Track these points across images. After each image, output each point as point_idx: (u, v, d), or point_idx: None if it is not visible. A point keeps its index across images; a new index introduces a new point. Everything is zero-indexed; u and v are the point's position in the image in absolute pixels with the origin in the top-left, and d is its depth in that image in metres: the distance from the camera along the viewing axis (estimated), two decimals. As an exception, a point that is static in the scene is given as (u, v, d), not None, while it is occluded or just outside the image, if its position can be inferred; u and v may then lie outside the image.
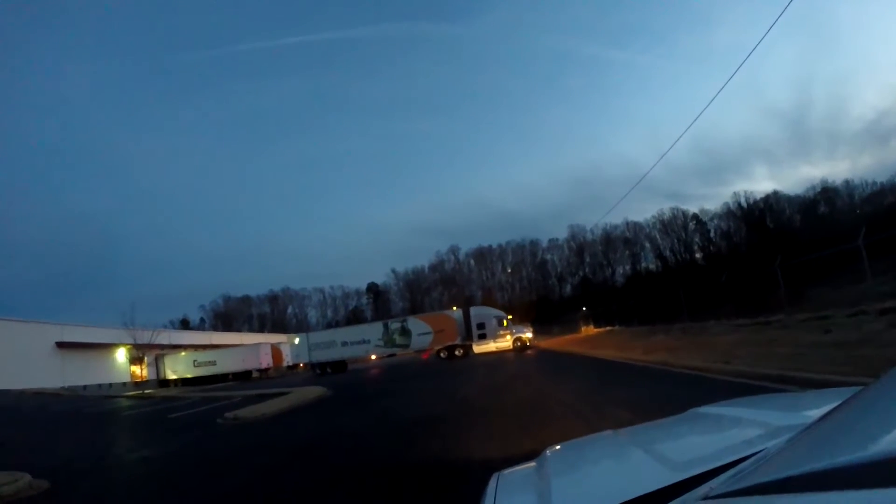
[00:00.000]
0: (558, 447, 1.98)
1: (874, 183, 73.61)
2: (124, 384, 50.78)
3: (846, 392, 1.48)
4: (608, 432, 2.08)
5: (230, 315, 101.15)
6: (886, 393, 0.86)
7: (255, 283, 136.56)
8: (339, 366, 40.32)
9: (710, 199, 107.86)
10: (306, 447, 8.91)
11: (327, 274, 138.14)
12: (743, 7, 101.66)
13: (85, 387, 47.84)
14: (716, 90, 47.30)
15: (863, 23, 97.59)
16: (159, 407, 22.86)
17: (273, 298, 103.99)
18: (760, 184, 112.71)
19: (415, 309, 73.84)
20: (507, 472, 1.76)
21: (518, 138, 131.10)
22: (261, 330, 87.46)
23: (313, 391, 19.05)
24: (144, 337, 38.65)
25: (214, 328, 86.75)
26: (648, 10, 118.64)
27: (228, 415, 14.24)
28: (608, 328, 35.85)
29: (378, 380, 24.73)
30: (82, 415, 23.36)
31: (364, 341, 39.89)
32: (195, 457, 9.51)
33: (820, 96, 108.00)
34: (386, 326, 40.01)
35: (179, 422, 16.22)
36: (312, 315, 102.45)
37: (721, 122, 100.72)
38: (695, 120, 36.16)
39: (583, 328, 43.97)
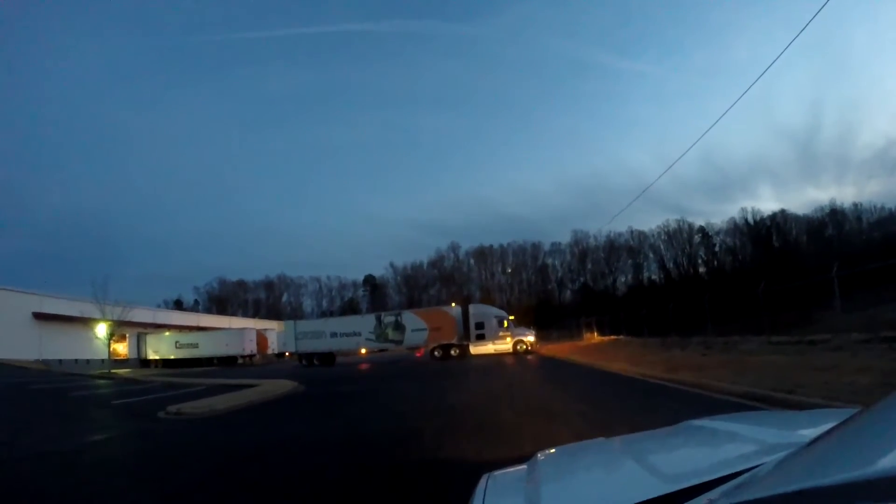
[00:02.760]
0: (550, 451, 1.97)
1: (883, 208, 72.79)
2: (103, 361, 48.66)
3: (842, 413, 1.58)
4: (600, 440, 2.05)
5: (224, 298, 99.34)
6: (887, 415, 0.87)
7: (251, 268, 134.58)
8: (327, 358, 37.92)
9: (715, 216, 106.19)
10: (235, 462, 6.85)
11: (325, 263, 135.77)
12: (758, 24, 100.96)
13: (61, 361, 46.07)
14: (726, 105, 46.26)
15: (877, 50, 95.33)
16: (112, 390, 20.80)
17: (268, 284, 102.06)
18: (766, 203, 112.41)
19: (412, 304, 71.62)
20: (497, 473, 1.75)
21: (525, 141, 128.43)
22: (255, 315, 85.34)
23: (284, 385, 17.06)
24: (115, 313, 36.29)
25: (208, 311, 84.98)
26: (662, 21, 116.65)
27: (172, 408, 12.29)
28: (614, 337, 33.30)
29: (362, 377, 22.52)
30: (24, 391, 21.21)
31: (355, 333, 37.45)
32: (96, 461, 7.41)
33: (830, 120, 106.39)
34: (379, 319, 37.54)
35: (118, 411, 14.23)
36: (308, 304, 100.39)
37: (729, 139, 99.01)
38: (704, 134, 36.34)
39: (586, 335, 41.31)
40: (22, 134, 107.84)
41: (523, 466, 1.76)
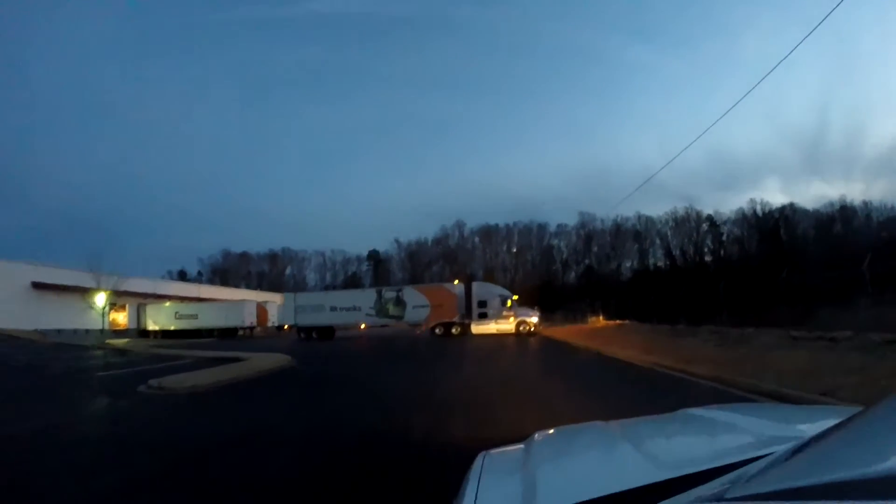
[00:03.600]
0: (548, 432, 1.97)
1: (893, 207, 72.07)
2: (101, 331, 48.36)
3: (841, 411, 1.63)
4: (598, 423, 2.00)
5: (228, 271, 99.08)
6: (889, 415, 0.88)
7: (255, 241, 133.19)
8: (327, 332, 37.20)
9: (723, 205, 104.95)
10: (198, 453, 6.03)
11: (329, 237, 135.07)
12: (772, 14, 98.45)
13: (59, 331, 45.64)
14: (737, 95, 45.14)
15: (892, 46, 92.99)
16: (100, 361, 20.20)
17: (272, 257, 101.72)
18: (773, 195, 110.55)
19: (415, 281, 70.90)
20: (493, 452, 1.76)
21: (533, 123, 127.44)
22: (258, 288, 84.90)
23: (276, 361, 16.31)
24: (109, 282, 35.69)
25: (211, 283, 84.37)
26: (675, 9, 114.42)
27: (154, 382, 11.63)
28: (619, 322, 32.19)
29: (357, 354, 21.78)
30: (4, 363, 20.44)
31: (355, 308, 36.73)
32: (47, 445, 6.61)
33: (841, 115, 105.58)
34: (380, 294, 36.82)
35: (99, 384, 13.58)
36: (311, 278, 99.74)
37: (739, 130, 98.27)
38: (713, 124, 36.63)
39: (592, 319, 40.10)
40: (27, 108, 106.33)
41: (520, 446, 1.77)
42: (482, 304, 34.19)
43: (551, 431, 2.00)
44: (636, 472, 1.23)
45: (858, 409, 1.06)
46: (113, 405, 9.97)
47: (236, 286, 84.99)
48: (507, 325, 33.41)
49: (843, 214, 77.05)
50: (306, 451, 6.07)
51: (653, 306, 28.26)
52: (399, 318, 35.75)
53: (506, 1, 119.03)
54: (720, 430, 1.76)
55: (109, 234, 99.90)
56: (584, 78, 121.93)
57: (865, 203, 75.98)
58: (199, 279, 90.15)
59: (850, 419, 0.91)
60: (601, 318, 38.05)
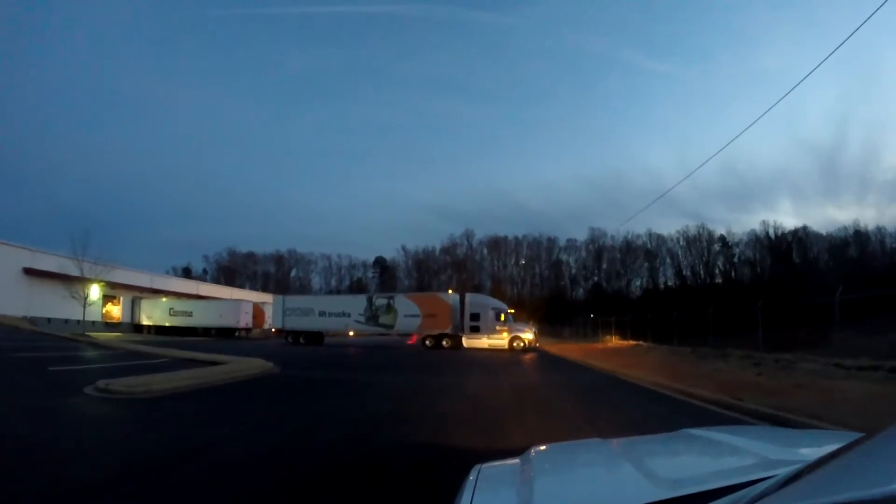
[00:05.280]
0: (544, 447, 1.94)
1: None
2: (93, 323, 46.85)
3: (842, 436, 1.56)
4: (596, 440, 2.01)
5: (233, 269, 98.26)
6: (892, 442, 0.86)
7: (262, 240, 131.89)
8: (315, 337, 35.74)
9: (734, 226, 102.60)
10: (115, 474, 4.42)
11: (336, 241, 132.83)
12: (790, 35, 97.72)
13: (49, 320, 44.30)
14: (752, 114, 43.81)
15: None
16: (65, 354, 18.57)
17: (278, 258, 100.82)
18: (785, 218, 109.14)
19: (422, 289, 69.28)
20: (488, 465, 1.71)
21: (546, 135, 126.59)
22: (263, 289, 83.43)
23: (255, 366, 14.71)
24: (94, 271, 34.09)
25: (217, 281, 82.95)
26: (692, 25, 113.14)
27: (102, 383, 10.00)
28: (634, 342, 30.02)
29: (341, 364, 19.88)
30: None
31: (344, 314, 35.07)
32: None
33: (855, 140, 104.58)
34: (370, 301, 35.09)
35: (45, 380, 12.06)
36: (316, 281, 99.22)
37: (753, 150, 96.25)
38: (727, 144, 36.91)
39: (607, 338, 37.40)
40: (40, 100, 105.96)
41: (516, 460, 1.73)
42: (475, 316, 32.26)
43: (549, 447, 1.97)
44: (635, 490, 1.23)
45: (861, 434, 0.99)
46: (42, 406, 8.30)
47: (241, 286, 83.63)
48: (500, 341, 31.43)
49: (857, 239, 75.86)
50: (254, 476, 4.65)
51: (669, 326, 26.33)
52: (389, 326, 34.01)
53: (522, 9, 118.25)
54: (722, 451, 1.71)
55: (115, 226, 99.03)
56: (599, 91, 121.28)
57: (879, 228, 74.50)
58: (203, 277, 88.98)
59: (853, 444, 0.87)
60: (614, 337, 35.80)
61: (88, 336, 31.48)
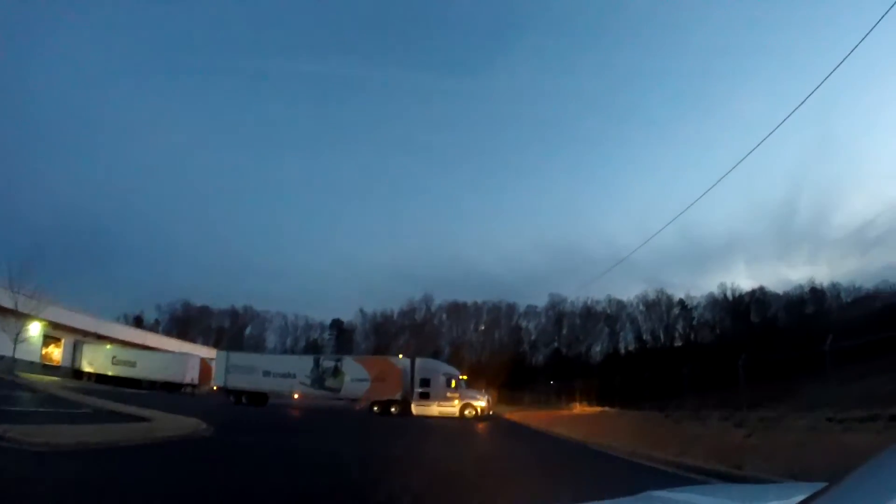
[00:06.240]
0: None
1: (859, 288, 72.58)
2: (31, 363, 42.41)
3: (806, 486, 1.49)
4: None
5: (187, 322, 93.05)
6: (856, 488, 0.87)
7: (218, 295, 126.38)
8: (259, 398, 33.07)
9: (692, 290, 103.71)
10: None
11: (293, 301, 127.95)
12: (745, 101, 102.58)
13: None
14: (709, 181, 45.34)
15: (858, 132, 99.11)
16: None
17: (233, 314, 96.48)
18: (742, 280, 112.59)
19: (379, 353, 66.86)
20: None
21: (507, 202, 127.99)
22: (216, 345, 79.10)
23: (184, 426, 13.17)
24: (29, 305, 31.21)
25: (168, 333, 78.28)
26: (647, 94, 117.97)
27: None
28: (600, 408, 28.01)
29: (276, 429, 17.84)
30: None
31: (289, 375, 32.72)
32: None
33: (807, 199, 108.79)
34: (317, 363, 33.06)
35: None
36: (271, 339, 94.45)
37: (709, 215, 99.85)
38: (683, 212, 37.47)
39: (574, 404, 34.31)
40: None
41: None
42: (424, 381, 30.53)
43: None
44: None
45: (823, 484, 0.99)
46: None
47: (193, 340, 79.15)
48: (451, 408, 29.61)
49: (814, 296, 77.42)
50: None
51: (636, 390, 25.03)
52: (336, 390, 31.89)
53: (484, 77, 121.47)
54: None
55: (67, 266, 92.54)
56: (559, 155, 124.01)
57: (834, 284, 76.45)
58: (155, 328, 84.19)
59: (817, 493, 0.89)
60: (578, 403, 33.52)
61: (15, 376, 28.32)
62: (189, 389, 43.38)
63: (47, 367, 44.30)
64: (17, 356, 33.31)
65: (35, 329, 33.84)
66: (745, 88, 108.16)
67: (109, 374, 44.43)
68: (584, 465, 10.49)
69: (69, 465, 7.46)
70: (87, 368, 46.00)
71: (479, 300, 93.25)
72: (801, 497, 0.92)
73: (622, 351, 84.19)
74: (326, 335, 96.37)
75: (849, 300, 72.88)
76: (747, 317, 78.19)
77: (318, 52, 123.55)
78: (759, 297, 79.94)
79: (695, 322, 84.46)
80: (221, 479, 7.51)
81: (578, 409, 31.82)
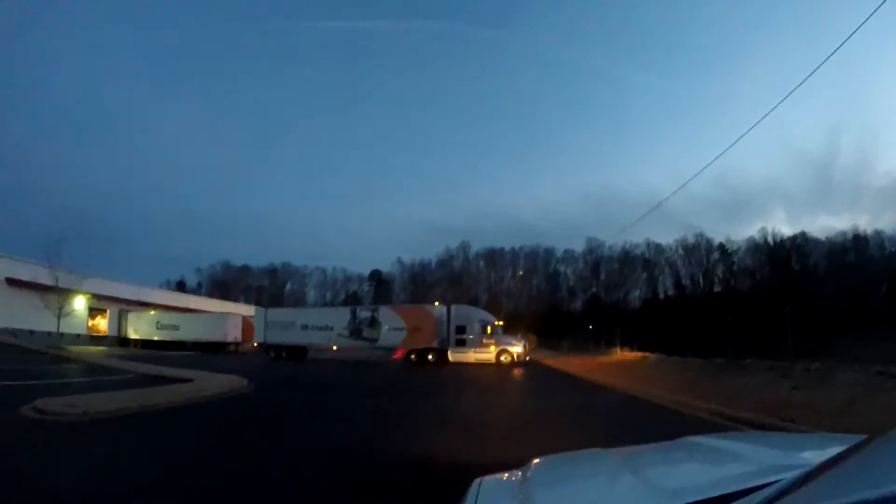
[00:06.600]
0: (546, 459, 1.91)
1: None
2: (78, 336, 45.13)
3: (844, 439, 1.47)
4: (598, 450, 1.95)
5: (228, 283, 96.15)
6: None
7: (257, 254, 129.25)
8: (298, 352, 33.84)
9: (731, 235, 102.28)
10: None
11: (332, 255, 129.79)
12: (785, 41, 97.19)
13: (32, 332, 42.61)
14: (749, 122, 43.32)
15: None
16: (27, 368, 17.16)
17: (272, 272, 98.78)
18: (781, 226, 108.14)
19: (417, 302, 68.00)
20: (489, 478, 1.69)
21: (541, 149, 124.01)
22: (258, 303, 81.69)
23: (225, 385, 13.36)
24: (68, 280, 32.64)
25: (211, 295, 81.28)
26: (687, 37, 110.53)
27: (41, 403, 8.74)
28: (640, 354, 27.60)
29: (315, 384, 18.05)
30: None
31: (327, 328, 33.28)
32: None
33: (852, 144, 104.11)
34: (354, 314, 33.38)
35: None
36: (311, 294, 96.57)
37: (750, 158, 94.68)
38: (720, 154, 34.15)
39: (613, 350, 34.34)
40: (30, 110, 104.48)
41: (517, 472, 1.71)
42: (460, 329, 30.53)
43: (550, 458, 1.93)
44: (637, 500, 1.23)
45: (863, 436, 0.98)
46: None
47: (235, 300, 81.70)
48: (487, 354, 29.71)
49: (857, 244, 74.79)
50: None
51: (676, 336, 24.92)
52: (373, 340, 32.18)
53: (515, 24, 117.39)
54: (724, 459, 1.68)
55: (109, 240, 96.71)
56: (594, 102, 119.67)
57: (877, 232, 73.66)
58: (197, 291, 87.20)
59: (857, 446, 0.86)
60: (618, 349, 33.74)
61: (60, 348, 29.88)
62: (233, 348, 44.69)
63: (94, 338, 46.81)
64: (63, 330, 35.04)
65: (80, 303, 35.21)
66: (786, 28, 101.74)
67: (155, 339, 46.05)
68: (631, 414, 10.55)
69: (104, 431, 7.62)
70: (132, 336, 47.88)
71: (517, 246, 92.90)
72: (840, 448, 0.91)
73: (661, 296, 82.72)
74: (366, 287, 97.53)
75: (894, 249, 71.08)
76: (788, 263, 75.68)
77: (344, 9, 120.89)
78: (801, 243, 77.26)
79: (735, 267, 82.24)
80: (254, 439, 7.62)
81: (619, 355, 31.67)
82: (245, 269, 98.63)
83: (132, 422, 8.41)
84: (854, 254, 73.79)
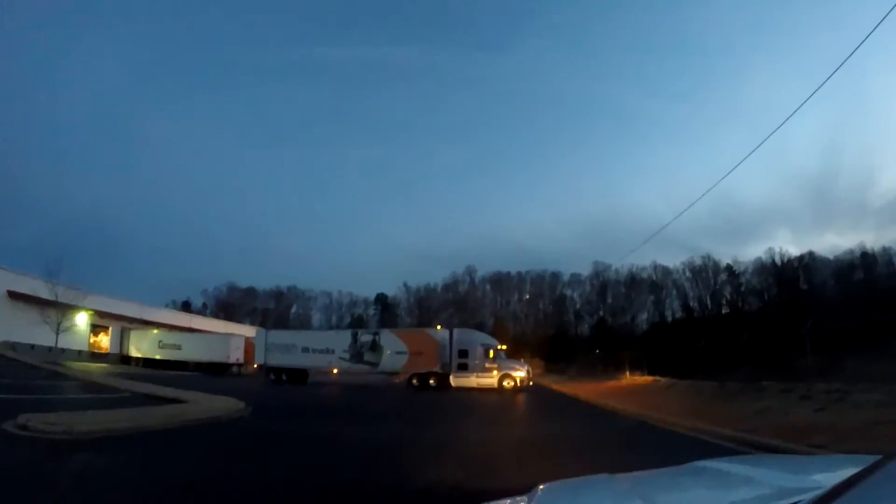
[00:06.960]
0: (552, 485, 1.83)
1: None
2: (79, 352, 44.75)
3: (857, 459, 1.43)
4: (605, 476, 1.86)
5: (233, 305, 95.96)
6: None
7: (262, 276, 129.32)
8: (299, 375, 33.14)
9: (738, 256, 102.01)
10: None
11: (337, 278, 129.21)
12: (784, 64, 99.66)
13: (33, 346, 42.34)
14: (751, 145, 43.30)
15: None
16: (18, 382, 16.87)
17: (278, 294, 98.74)
18: (788, 246, 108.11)
19: (422, 326, 67.46)
20: (495, 503, 1.68)
21: (548, 175, 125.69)
22: (262, 325, 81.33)
23: (220, 407, 12.75)
24: (68, 296, 32.36)
25: (216, 317, 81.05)
26: (684, 61, 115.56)
27: (23, 419, 8.33)
28: (651, 378, 26.80)
29: (314, 408, 17.35)
30: None
31: (327, 350, 32.72)
32: None
33: (855, 161, 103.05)
34: (355, 337, 32.87)
35: None
36: (317, 318, 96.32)
37: (754, 180, 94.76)
38: (725, 175, 34.93)
39: (627, 374, 32.36)
40: (35, 132, 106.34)
41: (523, 498, 1.68)
42: (462, 353, 30.00)
43: (557, 484, 1.86)
44: None
45: (877, 457, 0.96)
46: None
47: (240, 322, 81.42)
48: (489, 379, 29.06)
49: (864, 261, 73.42)
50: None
51: (685, 360, 24.27)
52: (374, 364, 31.60)
53: (519, 53, 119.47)
54: (735, 483, 1.64)
55: (115, 259, 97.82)
56: (599, 129, 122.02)
57: (885, 249, 72.16)
58: (203, 312, 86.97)
59: (870, 468, 0.85)
60: (627, 373, 32.45)
61: (58, 364, 29.48)
62: (236, 369, 44.26)
63: (95, 355, 46.26)
64: (64, 346, 34.69)
65: (82, 319, 34.90)
66: (782, 52, 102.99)
67: (157, 357, 45.65)
68: (647, 443, 9.96)
69: (81, 453, 7.06)
70: (134, 354, 47.50)
71: (523, 270, 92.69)
72: (852, 469, 0.88)
73: (668, 319, 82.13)
74: (371, 310, 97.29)
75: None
76: (796, 283, 75.31)
77: (345, 38, 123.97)
78: (808, 263, 76.75)
79: (742, 288, 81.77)
80: (249, 467, 6.94)
81: (628, 379, 30.80)
82: (251, 292, 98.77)
83: (116, 443, 7.89)
84: (862, 271, 72.57)
